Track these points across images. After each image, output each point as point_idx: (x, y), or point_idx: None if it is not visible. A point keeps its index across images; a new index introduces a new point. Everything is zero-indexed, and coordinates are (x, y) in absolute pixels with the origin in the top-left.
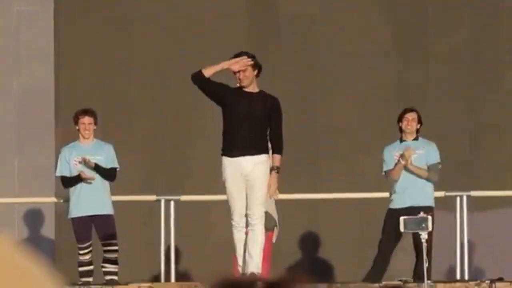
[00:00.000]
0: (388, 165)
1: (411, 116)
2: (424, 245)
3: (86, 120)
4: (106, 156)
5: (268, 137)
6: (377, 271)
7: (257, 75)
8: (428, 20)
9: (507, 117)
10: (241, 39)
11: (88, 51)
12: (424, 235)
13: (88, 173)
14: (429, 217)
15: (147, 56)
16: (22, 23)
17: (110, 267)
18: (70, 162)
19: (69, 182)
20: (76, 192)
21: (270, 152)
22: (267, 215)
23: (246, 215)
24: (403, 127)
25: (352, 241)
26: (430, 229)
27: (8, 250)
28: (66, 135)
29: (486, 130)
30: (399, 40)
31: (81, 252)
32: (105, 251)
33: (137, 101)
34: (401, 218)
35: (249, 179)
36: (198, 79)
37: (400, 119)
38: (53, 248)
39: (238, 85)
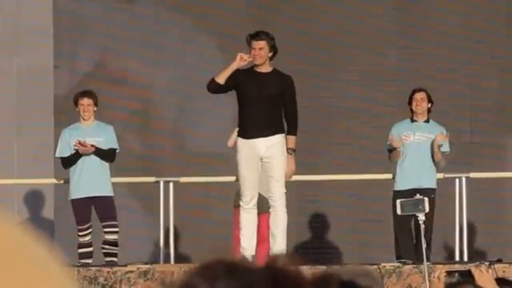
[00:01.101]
0: (393, 144)
1: (419, 96)
2: (422, 226)
3: (85, 101)
4: (107, 138)
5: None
6: (407, 253)
7: (271, 58)
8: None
9: (507, 98)
10: (241, 17)
11: (87, 31)
12: (421, 217)
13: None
14: (426, 199)
15: (148, 36)
16: (21, 4)
17: (110, 249)
18: (70, 144)
19: (68, 161)
20: (76, 173)
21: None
22: (262, 197)
23: (268, 197)
24: (414, 108)
25: (353, 223)
26: (427, 210)
27: (9, 229)
28: (66, 116)
29: (486, 111)
30: (401, 19)
31: (81, 233)
32: (105, 233)
33: (136, 81)
34: (398, 201)
35: (265, 161)
36: (215, 88)
37: (410, 101)
38: (53, 229)
39: (251, 59)
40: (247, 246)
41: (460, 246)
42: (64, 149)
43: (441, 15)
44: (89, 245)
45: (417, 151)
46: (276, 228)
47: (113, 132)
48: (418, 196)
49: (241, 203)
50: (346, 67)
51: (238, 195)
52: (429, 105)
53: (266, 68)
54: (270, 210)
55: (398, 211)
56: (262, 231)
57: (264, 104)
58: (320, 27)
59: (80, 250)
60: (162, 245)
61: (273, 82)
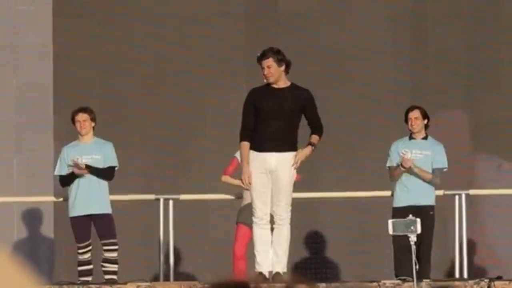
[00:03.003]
0: (392, 162)
1: (413, 115)
2: (413, 247)
3: (80, 117)
4: (105, 155)
5: (308, 126)
6: (406, 271)
7: (286, 71)
8: (427, 17)
9: (507, 114)
10: (240, 37)
11: (87, 50)
12: (412, 238)
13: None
14: (418, 220)
15: (146, 55)
16: (21, 22)
17: (110, 267)
18: (67, 161)
19: (64, 180)
20: (73, 191)
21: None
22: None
23: (270, 213)
24: (410, 127)
25: (352, 240)
26: (418, 231)
27: None
28: (65, 133)
29: (486, 127)
30: (399, 38)
31: (80, 251)
32: (105, 251)
33: (136, 99)
34: (390, 221)
35: (274, 177)
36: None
37: (406, 119)
38: (52, 247)
39: (265, 81)
40: (263, 262)
41: (460, 263)
42: (62, 167)
43: (441, 31)
44: (88, 262)
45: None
46: (279, 246)
47: (113, 149)
48: (410, 217)
49: (253, 219)
50: (345, 85)
51: (241, 212)
52: (425, 121)
53: (283, 83)
54: (274, 226)
55: (390, 231)
56: None
57: (281, 119)
58: (319, 45)
59: (80, 268)
60: (162, 263)
61: (291, 97)
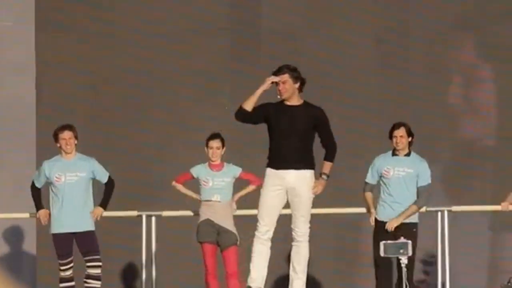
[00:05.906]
0: (369, 178)
1: (399, 133)
2: (404, 270)
3: (66, 135)
4: (94, 172)
5: (320, 146)
6: (383, 286)
7: (300, 89)
8: (409, 33)
9: (486, 131)
10: (223, 55)
11: (69, 66)
12: (404, 260)
13: (97, 214)
14: (409, 242)
15: (129, 71)
16: (3, 38)
17: (93, 283)
18: (50, 177)
19: (35, 195)
20: (56, 208)
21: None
22: (231, 232)
23: (292, 231)
24: (394, 145)
25: (334, 256)
26: (410, 254)
27: None
28: (48, 150)
29: (468, 144)
30: (381, 54)
31: (62, 268)
32: (88, 267)
33: (118, 116)
34: (381, 243)
35: (293, 194)
36: (243, 115)
37: (390, 136)
38: (35, 263)
39: (279, 97)
40: (256, 276)
41: (443, 279)
42: (39, 179)
43: (422, 45)
44: (70, 279)
45: (397, 185)
46: (298, 264)
47: (98, 164)
48: (402, 239)
49: (256, 233)
50: (327, 101)
51: (201, 229)
52: (410, 138)
53: (296, 101)
54: (293, 243)
55: (382, 253)
56: (232, 266)
57: (294, 137)
58: (302, 61)
59: (62, 285)
60: (144, 279)
61: (303, 115)
